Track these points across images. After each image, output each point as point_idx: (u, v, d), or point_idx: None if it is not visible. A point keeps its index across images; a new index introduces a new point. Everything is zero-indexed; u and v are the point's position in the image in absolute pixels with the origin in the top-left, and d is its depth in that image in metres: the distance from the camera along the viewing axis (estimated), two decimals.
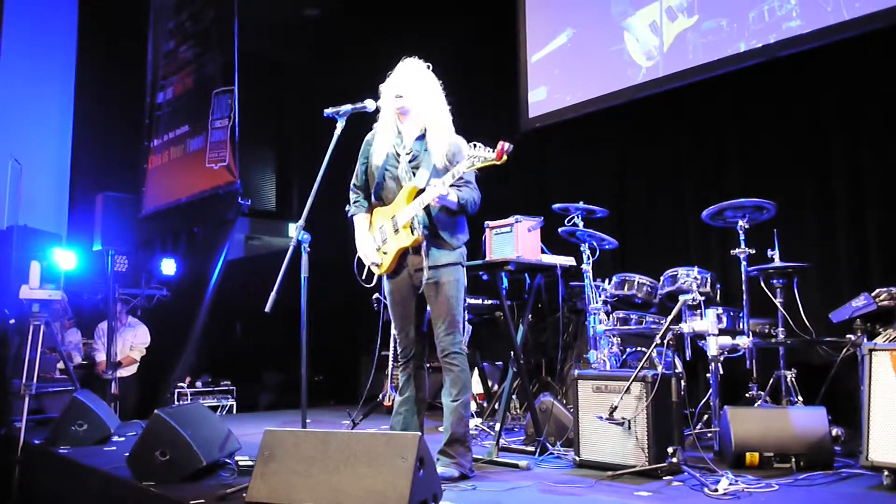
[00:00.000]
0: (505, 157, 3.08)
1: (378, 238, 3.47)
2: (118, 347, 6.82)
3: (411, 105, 3.37)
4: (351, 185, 3.62)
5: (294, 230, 3.24)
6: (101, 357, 6.87)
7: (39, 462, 4.52)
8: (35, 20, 10.02)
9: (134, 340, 7.06)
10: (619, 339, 4.76)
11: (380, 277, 3.54)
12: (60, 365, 6.10)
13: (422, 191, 3.30)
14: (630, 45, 5.96)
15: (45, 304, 5.45)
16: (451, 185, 3.27)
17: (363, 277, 3.55)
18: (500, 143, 3.07)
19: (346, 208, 3.62)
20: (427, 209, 3.34)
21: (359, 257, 3.55)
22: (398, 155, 3.42)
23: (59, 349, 5.90)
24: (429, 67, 3.43)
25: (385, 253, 3.44)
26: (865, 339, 3.87)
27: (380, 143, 3.47)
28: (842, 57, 4.85)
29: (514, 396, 5.21)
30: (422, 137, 3.40)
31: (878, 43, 4.67)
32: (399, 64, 3.43)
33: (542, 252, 4.31)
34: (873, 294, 3.94)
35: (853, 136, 4.83)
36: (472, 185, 3.41)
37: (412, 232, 3.34)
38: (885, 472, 3.02)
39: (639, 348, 4.69)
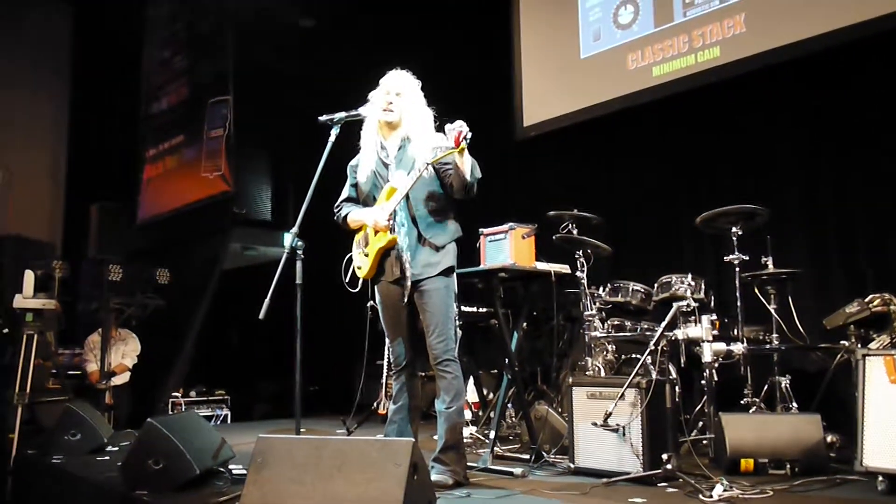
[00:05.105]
0: (464, 144, 3.09)
1: (362, 241, 3.48)
2: (110, 358, 6.78)
3: (401, 109, 3.41)
4: (339, 201, 3.64)
5: (288, 238, 3.23)
6: (91, 367, 6.83)
7: (33, 472, 4.50)
8: (29, 30, 10.03)
9: (125, 348, 7.03)
10: (613, 346, 4.75)
11: (366, 283, 3.53)
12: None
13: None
14: (623, 53, 5.98)
15: (39, 313, 5.43)
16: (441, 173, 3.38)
17: (347, 281, 3.54)
18: (457, 131, 3.09)
19: (335, 217, 3.63)
20: (409, 209, 3.34)
21: (347, 260, 3.55)
22: (386, 165, 3.45)
23: (52, 359, 5.87)
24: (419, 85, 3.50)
25: (366, 255, 3.44)
26: (859, 346, 3.87)
27: (365, 159, 3.51)
28: (833, 63, 4.88)
29: (508, 404, 5.19)
30: (404, 146, 3.43)
31: (869, 50, 4.69)
32: (389, 73, 3.48)
33: (537, 259, 4.31)
34: (867, 300, 3.95)
35: (845, 141, 4.85)
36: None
37: (388, 231, 3.34)
38: (880, 478, 3.02)
39: (633, 355, 4.69)
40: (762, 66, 5.12)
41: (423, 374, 3.76)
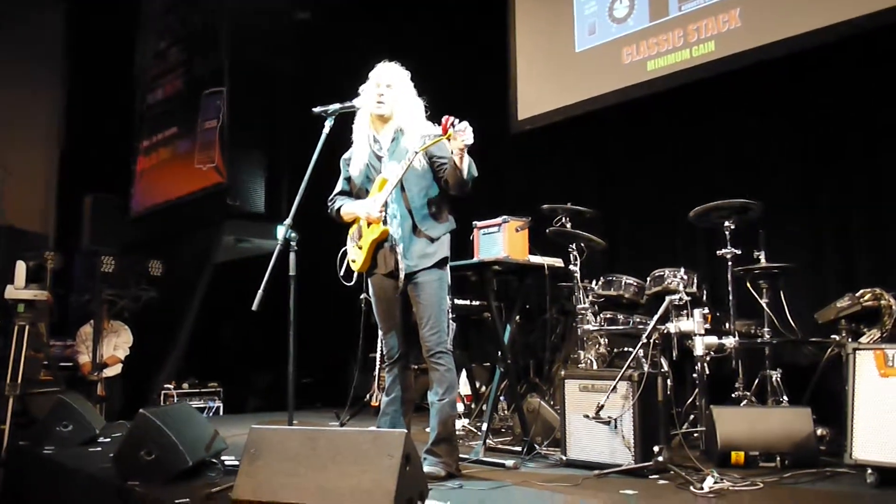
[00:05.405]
0: (451, 131, 3.10)
1: (356, 234, 3.47)
2: (102, 350, 6.78)
3: (392, 101, 3.40)
4: (332, 195, 3.63)
5: (282, 230, 3.22)
6: (83, 359, 6.83)
7: (24, 462, 4.49)
8: (22, 23, 9.96)
9: (118, 340, 7.03)
10: (606, 339, 4.77)
11: (361, 276, 3.53)
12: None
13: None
14: (618, 47, 5.98)
15: (31, 304, 5.42)
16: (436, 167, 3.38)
17: (342, 274, 3.54)
18: (444, 117, 3.12)
19: (329, 211, 3.61)
20: (405, 201, 3.34)
21: (342, 253, 3.55)
22: (379, 158, 3.44)
23: (44, 350, 5.86)
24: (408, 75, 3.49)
25: (360, 248, 3.44)
26: (850, 340, 3.90)
27: (357, 153, 3.50)
28: (826, 59, 4.89)
29: (501, 397, 5.21)
30: (397, 138, 3.43)
31: (862, 45, 4.71)
32: (378, 65, 3.46)
33: (530, 253, 4.31)
34: (858, 295, 3.97)
35: (839, 136, 4.86)
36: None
37: (381, 223, 3.33)
38: (869, 471, 3.04)
39: (626, 348, 4.70)
40: (757, 60, 5.12)
41: (416, 366, 3.76)
